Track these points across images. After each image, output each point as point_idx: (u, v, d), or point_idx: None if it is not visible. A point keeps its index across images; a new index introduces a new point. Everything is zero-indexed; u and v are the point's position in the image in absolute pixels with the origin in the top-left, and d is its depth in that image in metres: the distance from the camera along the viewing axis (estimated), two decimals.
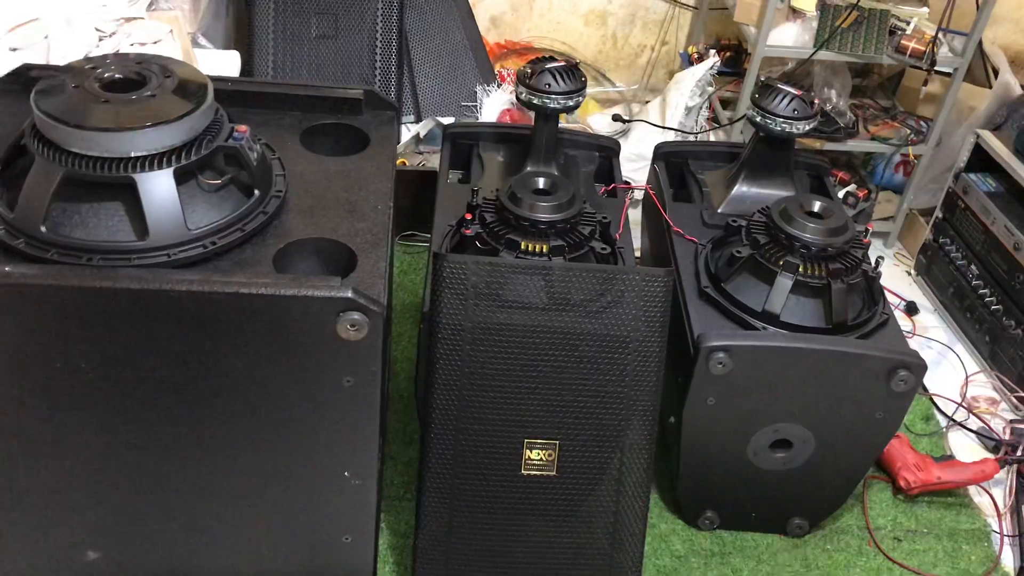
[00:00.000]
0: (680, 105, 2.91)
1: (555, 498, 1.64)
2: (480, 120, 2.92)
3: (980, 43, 2.75)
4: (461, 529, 1.65)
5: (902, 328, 1.84)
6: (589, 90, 1.94)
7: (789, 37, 2.66)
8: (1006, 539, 2.04)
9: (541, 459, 1.61)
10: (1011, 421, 2.32)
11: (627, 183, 2.08)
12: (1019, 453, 2.17)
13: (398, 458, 2.04)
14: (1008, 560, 2.01)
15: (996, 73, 2.89)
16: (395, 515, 1.92)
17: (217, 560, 1.61)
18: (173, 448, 1.44)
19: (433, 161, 2.74)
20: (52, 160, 1.31)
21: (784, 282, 1.73)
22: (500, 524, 1.65)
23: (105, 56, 1.47)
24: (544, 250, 1.66)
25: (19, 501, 1.48)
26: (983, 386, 2.48)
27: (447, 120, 2.80)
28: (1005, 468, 2.14)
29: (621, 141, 2.24)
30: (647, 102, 3.22)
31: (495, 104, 2.95)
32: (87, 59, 1.47)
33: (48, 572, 1.58)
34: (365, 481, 1.50)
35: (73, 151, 1.30)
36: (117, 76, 1.41)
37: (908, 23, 2.64)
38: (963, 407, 2.38)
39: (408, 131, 2.84)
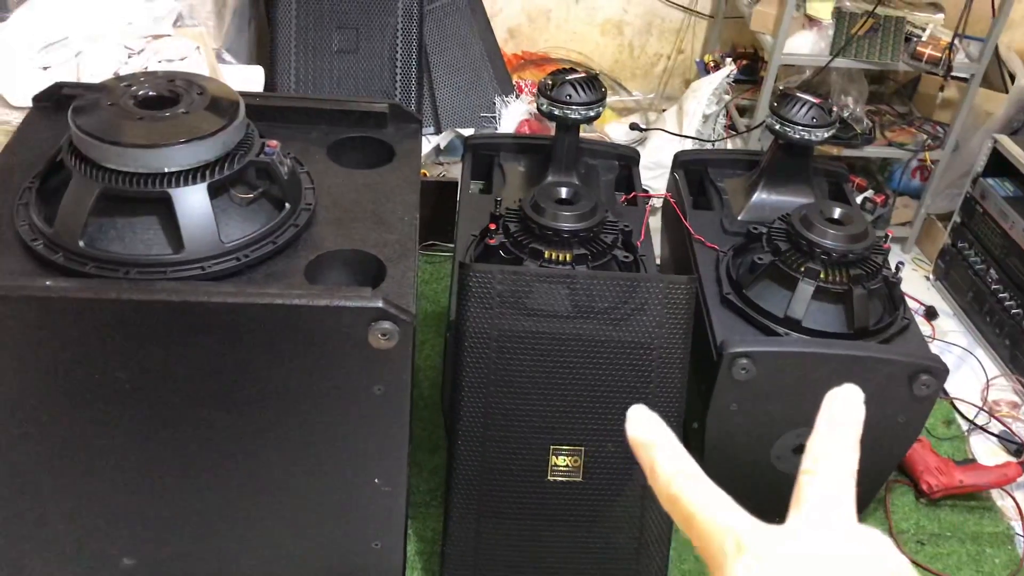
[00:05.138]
0: (697, 113, 2.93)
1: (581, 504, 1.66)
2: (499, 131, 2.95)
3: (996, 48, 2.76)
4: (488, 535, 1.67)
5: (922, 332, 1.85)
6: (606, 99, 1.96)
7: (805, 45, 2.68)
8: None
9: (567, 465, 1.64)
10: None
11: (647, 191, 2.11)
12: None
13: (423, 465, 2.07)
14: None
15: (1013, 78, 2.90)
16: (422, 522, 1.94)
17: (249, 566, 1.63)
18: (207, 456, 1.47)
19: (453, 172, 2.77)
20: (89, 176, 1.33)
21: (805, 288, 1.74)
22: (527, 530, 1.67)
23: (138, 74, 1.50)
24: (567, 259, 1.68)
25: (56, 509, 1.51)
26: (1004, 390, 2.49)
27: (467, 131, 2.84)
28: None
29: (639, 149, 2.26)
30: (664, 111, 3.24)
31: (514, 115, 2.98)
32: (120, 77, 1.50)
33: None
34: (395, 488, 1.53)
35: (110, 167, 1.33)
36: (151, 93, 1.43)
37: (924, 29, 2.65)
38: (984, 411, 2.39)
39: (428, 143, 2.87)
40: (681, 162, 2.20)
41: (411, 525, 1.92)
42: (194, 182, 1.35)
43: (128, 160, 1.33)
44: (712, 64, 3.16)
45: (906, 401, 1.73)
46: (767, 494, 1.89)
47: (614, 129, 3.13)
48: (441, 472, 2.03)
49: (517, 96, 3.06)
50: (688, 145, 2.84)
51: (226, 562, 1.62)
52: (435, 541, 1.88)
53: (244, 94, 1.51)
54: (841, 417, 0.58)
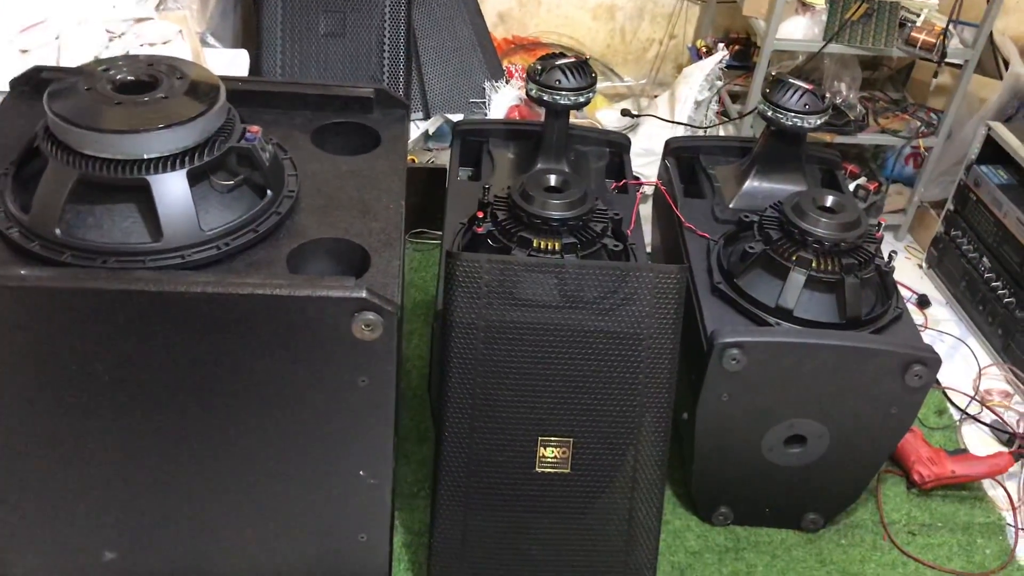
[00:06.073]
0: (689, 99, 2.90)
1: (570, 495, 1.64)
2: (488, 116, 2.92)
3: (991, 34, 2.73)
4: (476, 527, 1.65)
5: (915, 322, 1.83)
6: (597, 85, 1.94)
7: (798, 30, 2.65)
8: (1021, 532, 2.03)
9: (555, 456, 1.62)
10: None
11: (637, 179, 2.08)
12: None
13: (411, 456, 2.04)
14: (1023, 553, 2.00)
15: (1007, 64, 2.88)
16: (409, 513, 1.92)
17: (233, 559, 1.61)
18: (188, 448, 1.44)
19: (442, 158, 2.74)
20: (66, 163, 1.31)
21: (797, 277, 1.72)
22: (515, 521, 1.65)
23: (117, 58, 1.47)
24: (556, 248, 1.66)
25: (36, 502, 1.49)
26: (996, 379, 2.47)
27: (456, 117, 2.81)
28: (1019, 461, 2.14)
29: (630, 136, 2.23)
30: (656, 96, 3.21)
31: (503, 100, 2.95)
32: (99, 61, 1.47)
33: (65, 572, 1.59)
34: (380, 480, 1.51)
35: (87, 153, 1.30)
36: (129, 78, 1.41)
37: (918, 15, 2.63)
38: (976, 400, 2.37)
39: (417, 128, 2.84)
40: (672, 149, 2.17)
41: (398, 516, 1.90)
42: (173, 169, 1.32)
43: (105, 146, 1.30)
44: (704, 49, 3.12)
45: (898, 392, 1.71)
46: (757, 485, 1.88)
47: (605, 115, 3.10)
48: (429, 463, 2.01)
49: (507, 81, 3.02)
50: (680, 132, 2.81)
51: (208, 555, 1.60)
52: (423, 532, 1.86)
53: (226, 79, 1.48)
54: None
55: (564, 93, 1.87)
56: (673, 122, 2.88)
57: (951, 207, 2.73)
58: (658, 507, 1.68)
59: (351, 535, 1.59)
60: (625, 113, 3.04)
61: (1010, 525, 2.06)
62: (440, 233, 1.89)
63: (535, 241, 1.66)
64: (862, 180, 2.92)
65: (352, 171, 1.59)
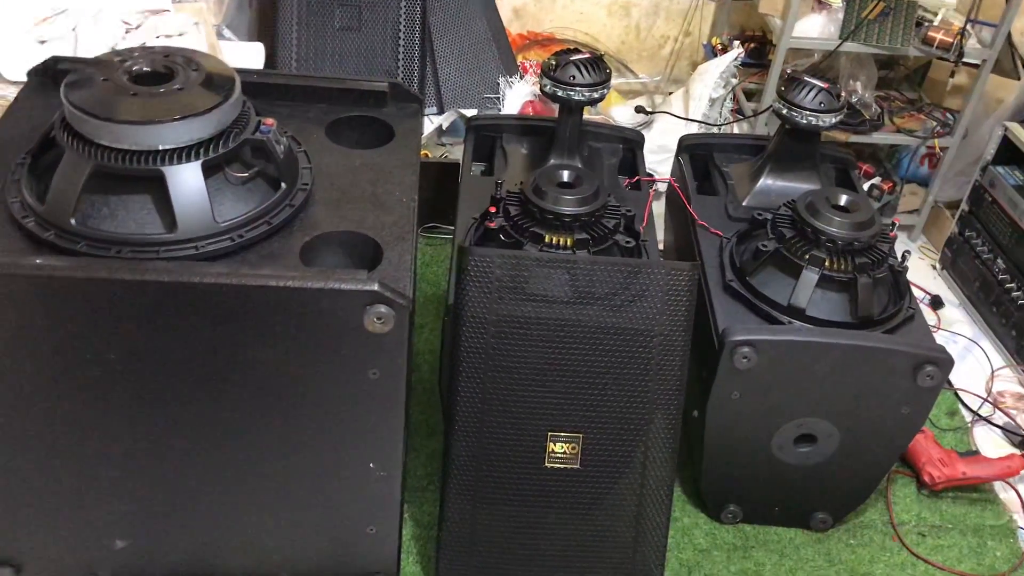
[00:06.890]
0: (704, 97, 2.90)
1: (579, 491, 1.65)
2: (502, 112, 2.92)
3: (1009, 34, 2.71)
4: (484, 521, 1.66)
5: (927, 322, 1.83)
6: (612, 81, 1.93)
7: (814, 28, 2.64)
8: None
9: (565, 452, 1.62)
10: None
11: (651, 175, 2.08)
12: None
13: (421, 449, 2.05)
14: None
15: None
16: (418, 506, 1.92)
17: (242, 550, 1.62)
18: (199, 438, 1.45)
19: (455, 153, 2.74)
20: (81, 153, 1.31)
21: (810, 276, 1.72)
22: (523, 516, 1.66)
23: (133, 49, 1.48)
24: (568, 243, 1.66)
25: (48, 489, 1.50)
26: (1009, 381, 2.46)
27: (469, 112, 2.81)
28: None
29: (644, 133, 2.23)
30: (670, 93, 3.21)
31: (517, 96, 2.95)
32: (115, 52, 1.47)
33: (76, 559, 1.60)
34: (390, 472, 1.51)
35: (102, 144, 1.31)
36: (145, 69, 1.41)
37: (935, 14, 2.62)
38: (989, 402, 2.36)
39: (431, 123, 2.84)
40: (686, 146, 2.17)
41: (408, 509, 1.90)
42: (188, 160, 1.33)
43: (121, 137, 1.30)
44: (720, 47, 3.12)
45: (910, 392, 1.70)
46: (767, 483, 1.88)
47: (619, 112, 3.10)
48: (439, 456, 2.01)
49: (521, 77, 3.02)
50: (694, 129, 2.80)
51: (217, 545, 1.60)
52: (432, 525, 1.86)
53: (241, 71, 1.48)
54: None
55: (578, 89, 1.87)
56: (687, 119, 2.87)
57: (966, 208, 2.71)
58: (667, 504, 1.68)
59: (360, 527, 1.59)
60: (639, 110, 3.03)
61: (1021, 528, 2.05)
62: (452, 228, 1.89)
63: (547, 236, 1.66)
64: (877, 180, 2.90)
65: (366, 165, 1.60)
